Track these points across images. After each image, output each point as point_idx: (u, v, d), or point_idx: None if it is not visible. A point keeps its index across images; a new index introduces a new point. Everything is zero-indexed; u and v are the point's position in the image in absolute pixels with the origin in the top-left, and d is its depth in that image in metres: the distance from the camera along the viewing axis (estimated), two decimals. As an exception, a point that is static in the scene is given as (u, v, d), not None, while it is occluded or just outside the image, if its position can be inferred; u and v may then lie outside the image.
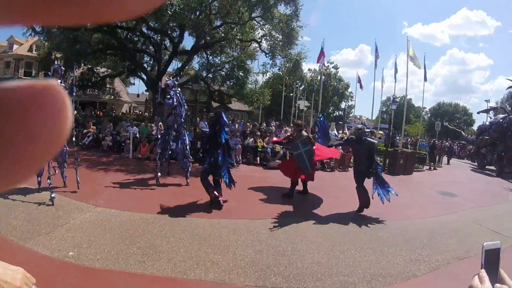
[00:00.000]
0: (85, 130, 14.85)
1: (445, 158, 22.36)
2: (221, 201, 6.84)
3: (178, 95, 8.70)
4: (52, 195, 6.21)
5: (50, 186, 6.34)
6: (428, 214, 7.73)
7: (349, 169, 14.18)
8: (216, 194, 6.83)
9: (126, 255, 4.41)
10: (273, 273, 4.21)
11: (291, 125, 28.95)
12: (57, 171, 7.24)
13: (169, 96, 8.60)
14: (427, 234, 6.07)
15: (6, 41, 36.37)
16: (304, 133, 8.12)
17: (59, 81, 6.95)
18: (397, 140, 21.45)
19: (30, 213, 5.78)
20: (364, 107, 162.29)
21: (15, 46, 35.55)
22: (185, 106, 9.30)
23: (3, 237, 4.79)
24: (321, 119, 9.56)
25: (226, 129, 7.35)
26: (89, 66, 22.11)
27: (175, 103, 8.54)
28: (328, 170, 13.70)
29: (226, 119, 7.01)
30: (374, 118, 35.26)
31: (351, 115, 52.19)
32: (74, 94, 7.54)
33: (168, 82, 8.95)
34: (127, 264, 4.17)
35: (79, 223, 5.49)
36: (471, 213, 8.19)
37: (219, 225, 5.74)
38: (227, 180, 6.98)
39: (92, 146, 14.39)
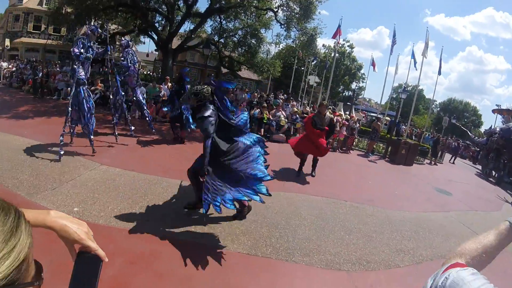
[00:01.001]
0: (92, 87, 14.92)
1: (448, 156, 22.01)
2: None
3: (131, 55, 9.02)
4: (61, 152, 6.44)
5: (61, 143, 6.57)
6: (419, 208, 7.77)
7: (351, 151, 14.48)
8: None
9: (129, 214, 4.64)
10: (265, 243, 4.41)
11: (299, 100, 28.86)
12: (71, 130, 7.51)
13: (123, 58, 8.98)
14: (415, 227, 6.15)
15: None
16: (330, 115, 8.34)
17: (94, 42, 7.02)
18: (402, 130, 21.38)
19: (37, 168, 6.00)
20: (375, 90, 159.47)
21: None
22: (136, 64, 9.35)
23: (10, 191, 4.99)
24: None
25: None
26: (100, 23, 21.96)
27: (129, 64, 8.88)
28: (329, 149, 13.77)
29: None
30: (383, 103, 34.73)
31: (360, 97, 51.19)
32: (109, 53, 7.63)
33: (122, 42, 9.39)
34: (129, 222, 4.40)
35: (84, 180, 5.70)
36: (461, 214, 8.14)
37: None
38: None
39: (99, 103, 14.39)
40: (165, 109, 10.53)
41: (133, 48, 9.35)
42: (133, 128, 9.48)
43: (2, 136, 8.22)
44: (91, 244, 0.89)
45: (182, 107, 9.43)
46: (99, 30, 7.08)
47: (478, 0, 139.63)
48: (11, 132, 8.65)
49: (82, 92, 6.90)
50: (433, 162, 17.67)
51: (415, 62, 20.21)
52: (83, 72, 6.81)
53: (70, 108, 6.90)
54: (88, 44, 6.81)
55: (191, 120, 9.35)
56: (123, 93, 9.14)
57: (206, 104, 4.49)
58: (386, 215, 6.56)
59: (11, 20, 35.61)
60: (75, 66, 6.82)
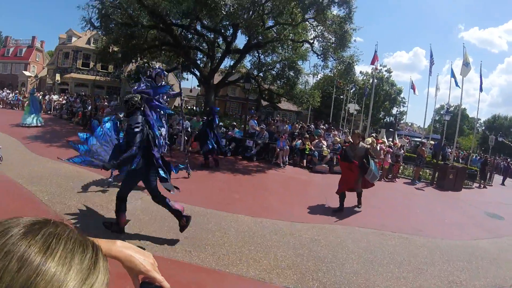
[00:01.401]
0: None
1: (498, 177, 20.76)
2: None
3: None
4: (110, 180, 6.61)
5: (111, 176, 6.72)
6: (470, 235, 7.28)
7: (397, 179, 13.90)
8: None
9: (174, 245, 4.65)
10: (312, 278, 4.23)
11: (340, 128, 28.58)
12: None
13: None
14: (467, 257, 5.74)
15: (65, 34, 39.46)
16: (364, 145, 7.67)
17: (163, 82, 7.28)
18: (448, 153, 20.53)
19: (85, 195, 6.27)
20: (416, 114, 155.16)
21: (73, 39, 38.37)
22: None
23: (58, 215, 5.17)
24: None
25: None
26: (145, 61, 23.21)
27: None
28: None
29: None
30: (426, 126, 33.57)
31: (402, 121, 49.87)
32: (183, 99, 7.84)
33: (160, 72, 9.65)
34: (174, 252, 4.42)
35: (131, 208, 5.70)
36: (516, 240, 7.54)
37: (263, 224, 5.84)
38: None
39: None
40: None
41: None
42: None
43: (53, 163, 8.72)
44: (157, 275, 0.88)
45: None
46: (165, 72, 7.26)
47: (509, 7, 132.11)
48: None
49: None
50: (482, 185, 16.72)
51: (455, 81, 19.66)
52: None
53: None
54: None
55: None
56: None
57: (136, 112, 4.58)
58: (436, 245, 6.18)
59: (61, 57, 38.81)
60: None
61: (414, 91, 28.62)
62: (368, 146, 7.79)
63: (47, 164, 8.63)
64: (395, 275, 4.65)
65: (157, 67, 7.34)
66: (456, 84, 19.64)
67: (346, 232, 6.11)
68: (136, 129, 4.37)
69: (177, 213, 4.80)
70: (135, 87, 6.18)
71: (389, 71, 53.01)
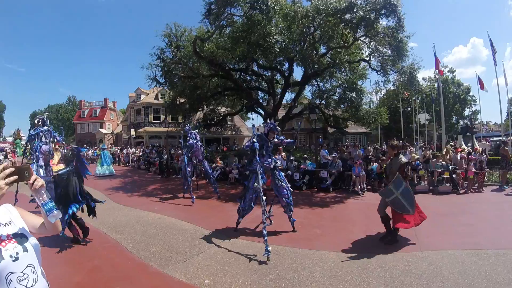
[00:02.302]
0: (213, 165, 16.20)
1: None
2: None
3: (194, 135, 11.84)
4: (269, 249, 5.60)
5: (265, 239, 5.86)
6: None
7: (484, 188, 12.50)
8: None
9: (259, 286, 4.51)
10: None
11: (415, 143, 27.08)
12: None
13: (188, 138, 11.81)
14: None
15: (134, 92, 43.80)
16: (402, 158, 6.48)
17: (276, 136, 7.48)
18: None
19: (168, 242, 6.44)
20: (490, 110, 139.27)
21: (142, 96, 42.24)
22: (198, 142, 11.96)
23: (143, 262, 5.42)
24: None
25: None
26: (211, 107, 24.41)
27: (194, 142, 11.66)
28: (461, 192, 12.12)
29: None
30: (503, 122, 30.23)
31: (477, 122, 45.57)
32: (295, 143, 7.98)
33: (185, 128, 12.40)
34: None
35: (213, 252, 5.85)
36: None
37: (349, 259, 5.50)
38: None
39: (220, 179, 15.59)
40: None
41: (196, 131, 12.50)
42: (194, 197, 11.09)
43: (135, 212, 9.32)
44: None
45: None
46: (278, 128, 7.50)
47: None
48: (143, 208, 9.80)
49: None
50: None
51: None
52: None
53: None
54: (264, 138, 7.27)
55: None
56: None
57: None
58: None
59: (133, 114, 42.70)
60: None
61: (481, 86, 26.35)
62: (405, 160, 6.47)
63: (130, 213, 9.19)
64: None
65: (269, 122, 7.47)
66: None
67: (438, 257, 5.50)
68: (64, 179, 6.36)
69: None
70: (247, 144, 7.07)
71: (451, 70, 49.88)
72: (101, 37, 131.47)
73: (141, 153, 26.53)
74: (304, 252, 5.87)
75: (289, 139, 7.80)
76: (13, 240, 1.69)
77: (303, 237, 6.82)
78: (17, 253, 1.64)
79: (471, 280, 4.60)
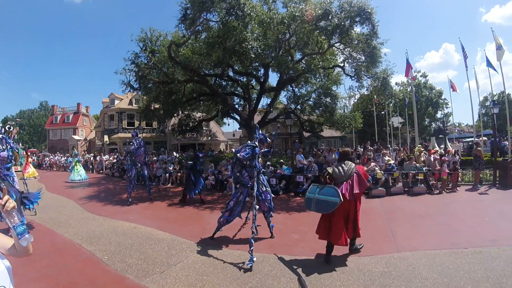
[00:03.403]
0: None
1: None
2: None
3: (138, 141, 12.95)
4: (254, 259, 5.56)
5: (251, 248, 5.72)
6: None
7: (458, 189, 12.89)
8: None
9: None
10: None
11: (388, 146, 27.66)
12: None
13: (132, 143, 13.01)
14: None
15: (108, 98, 42.93)
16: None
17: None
18: (506, 147, 19.05)
19: (144, 252, 6.30)
20: (461, 112, 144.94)
21: (116, 101, 41.41)
22: (142, 148, 13.19)
23: (119, 274, 5.28)
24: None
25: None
26: (186, 113, 24.19)
27: (136, 147, 12.79)
28: (435, 192, 12.48)
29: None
30: (475, 123, 31.37)
31: (449, 124, 47.02)
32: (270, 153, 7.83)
33: (132, 133, 13.75)
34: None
35: (191, 262, 5.76)
36: None
37: (327, 263, 5.53)
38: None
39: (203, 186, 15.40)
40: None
41: (141, 136, 13.88)
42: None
43: (109, 221, 9.08)
44: None
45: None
46: (268, 140, 7.41)
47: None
48: (117, 217, 9.54)
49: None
50: None
51: (493, 68, 19.05)
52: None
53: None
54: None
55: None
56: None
57: None
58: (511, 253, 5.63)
59: (107, 120, 41.75)
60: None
61: (454, 89, 27.30)
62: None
63: (104, 223, 8.94)
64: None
65: (260, 133, 7.33)
66: (494, 69, 18.88)
67: (416, 258, 5.64)
68: None
69: None
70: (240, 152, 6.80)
71: (424, 75, 51.75)
72: (75, 41, 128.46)
73: (115, 160, 25.96)
74: (282, 258, 5.86)
75: (264, 149, 7.71)
76: None
77: (281, 243, 6.83)
78: None
79: (450, 279, 4.73)
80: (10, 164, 8.09)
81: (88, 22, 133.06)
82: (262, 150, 7.36)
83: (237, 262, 5.68)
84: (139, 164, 13.18)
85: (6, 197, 1.71)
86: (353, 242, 6.04)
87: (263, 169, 7.54)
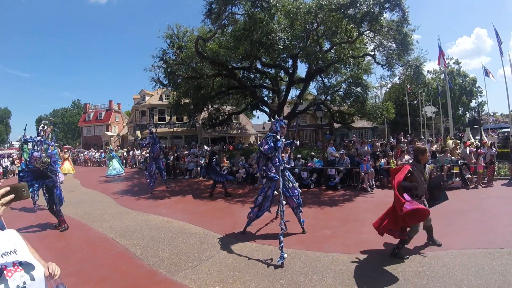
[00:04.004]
0: (221, 165, 16.11)
1: None
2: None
3: (152, 138, 13.94)
4: (284, 255, 5.48)
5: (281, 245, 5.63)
6: None
7: (494, 183, 12.28)
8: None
9: None
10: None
11: (422, 137, 26.79)
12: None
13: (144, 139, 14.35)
14: None
15: (138, 94, 43.91)
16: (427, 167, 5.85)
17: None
18: None
19: (177, 246, 6.37)
20: (497, 101, 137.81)
21: (146, 97, 42.53)
22: (159, 143, 14.42)
23: (152, 269, 5.35)
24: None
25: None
26: (216, 107, 24.37)
27: (145, 143, 14.12)
28: (471, 187, 11.91)
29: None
30: (510, 112, 29.70)
31: (483, 113, 44.87)
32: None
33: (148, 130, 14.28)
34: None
35: (223, 257, 5.77)
36: None
37: (360, 261, 5.40)
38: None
39: (228, 179, 15.47)
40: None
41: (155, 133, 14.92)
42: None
43: (142, 215, 9.27)
44: None
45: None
46: (286, 123, 7.20)
47: None
48: (150, 211, 9.74)
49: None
50: None
51: None
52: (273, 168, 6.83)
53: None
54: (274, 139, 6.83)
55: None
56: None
57: None
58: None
59: (138, 116, 42.96)
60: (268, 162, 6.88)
61: (489, 75, 25.91)
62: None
63: (138, 217, 9.13)
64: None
65: (278, 118, 7.18)
66: None
67: (451, 257, 5.37)
68: None
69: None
70: (266, 146, 6.64)
71: (457, 62, 49.43)
72: (103, 40, 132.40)
73: (147, 155, 26.55)
74: (314, 254, 5.76)
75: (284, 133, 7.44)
76: (20, 268, 1.61)
77: (313, 239, 6.71)
78: (24, 283, 1.57)
79: (485, 281, 4.48)
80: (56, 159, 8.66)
81: (114, 21, 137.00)
82: (285, 142, 7.28)
83: (268, 258, 5.63)
84: (156, 157, 14.12)
85: (52, 265, 1.74)
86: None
87: (288, 165, 7.42)
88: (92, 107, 61.51)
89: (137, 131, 39.74)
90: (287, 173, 7.13)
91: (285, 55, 17.69)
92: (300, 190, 7.37)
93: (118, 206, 10.76)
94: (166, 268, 5.35)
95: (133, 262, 5.72)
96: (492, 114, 50.35)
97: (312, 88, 24.93)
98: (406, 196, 5.11)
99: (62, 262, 5.52)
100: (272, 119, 7.19)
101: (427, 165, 5.74)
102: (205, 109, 23.40)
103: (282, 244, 5.53)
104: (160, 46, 18.47)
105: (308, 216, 8.17)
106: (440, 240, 6.01)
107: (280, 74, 22.64)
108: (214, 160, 12.84)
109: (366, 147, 15.13)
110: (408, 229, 5.43)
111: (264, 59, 19.11)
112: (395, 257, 5.48)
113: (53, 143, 9.46)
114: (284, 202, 6.36)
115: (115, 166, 21.08)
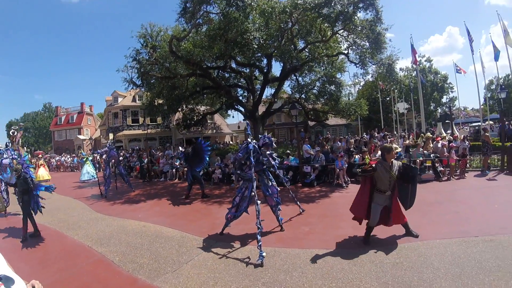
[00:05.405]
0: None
1: None
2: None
3: (109, 144, 14.69)
4: (263, 254, 5.53)
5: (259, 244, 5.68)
6: None
7: (466, 175, 12.74)
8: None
9: None
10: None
11: (395, 133, 27.42)
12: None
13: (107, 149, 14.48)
14: None
15: (111, 96, 42.63)
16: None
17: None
18: None
19: (155, 251, 6.27)
20: (467, 96, 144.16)
21: (119, 99, 41.28)
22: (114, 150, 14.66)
23: (131, 275, 5.24)
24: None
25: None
26: (190, 107, 24.09)
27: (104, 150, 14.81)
28: (443, 179, 12.30)
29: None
30: (481, 107, 30.92)
31: (454, 108, 46.79)
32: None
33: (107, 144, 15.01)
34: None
35: (202, 259, 5.72)
36: None
37: (339, 256, 5.47)
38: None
39: (203, 179, 15.30)
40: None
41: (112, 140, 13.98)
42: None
43: (118, 221, 9.07)
44: None
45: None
46: (274, 145, 7.56)
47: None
48: (126, 216, 9.55)
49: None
50: None
51: (496, 54, 18.65)
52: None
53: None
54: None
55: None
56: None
57: None
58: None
59: (111, 118, 41.76)
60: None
61: (460, 72, 26.89)
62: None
63: (114, 222, 8.93)
64: (487, 285, 4.17)
65: (265, 136, 7.49)
66: (496, 59, 18.63)
67: (427, 247, 5.56)
68: None
69: None
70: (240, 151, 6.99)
71: (429, 60, 51.38)
72: (76, 40, 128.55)
73: (121, 158, 25.99)
74: (294, 251, 5.82)
75: (275, 160, 7.61)
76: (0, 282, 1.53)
77: (291, 236, 6.76)
78: None
79: (461, 269, 4.65)
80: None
81: (86, 21, 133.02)
82: (268, 152, 7.40)
83: (248, 258, 5.64)
84: (115, 164, 15.01)
85: (36, 284, 1.75)
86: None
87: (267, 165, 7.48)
88: (63, 110, 59.54)
89: (110, 134, 38.88)
90: (267, 172, 7.19)
91: (260, 54, 17.72)
92: (279, 188, 7.42)
93: (93, 212, 10.48)
94: (145, 273, 5.26)
95: (112, 269, 5.58)
96: (463, 108, 52.41)
97: (287, 87, 25.11)
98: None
99: (42, 273, 5.42)
100: (248, 127, 7.42)
101: (395, 162, 5.93)
102: (179, 109, 23.09)
103: (260, 243, 5.57)
104: (134, 46, 18.11)
105: (286, 214, 8.26)
106: (416, 231, 6.18)
107: (255, 73, 22.62)
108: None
109: (339, 144, 15.38)
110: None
111: (238, 58, 19.05)
112: (367, 244, 5.88)
113: (18, 147, 9.27)
114: (259, 202, 6.37)
115: (88, 170, 20.51)
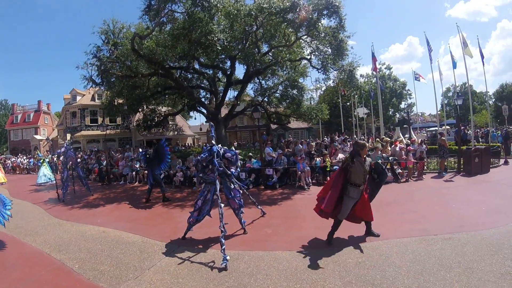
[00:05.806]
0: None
1: None
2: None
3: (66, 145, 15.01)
4: (227, 258, 5.48)
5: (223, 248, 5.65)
6: None
7: (424, 176, 13.34)
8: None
9: None
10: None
11: (355, 136, 28.22)
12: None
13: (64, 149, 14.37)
14: None
15: (69, 94, 40.72)
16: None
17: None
18: (469, 135, 19.93)
19: (116, 257, 6.08)
20: (425, 102, 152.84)
21: (78, 97, 39.50)
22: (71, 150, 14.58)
23: (92, 283, 5.05)
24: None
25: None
26: (151, 107, 23.60)
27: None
28: (402, 181, 12.83)
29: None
30: (438, 112, 32.76)
31: (412, 113, 49.02)
32: None
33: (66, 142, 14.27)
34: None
35: (165, 264, 5.61)
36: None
37: (303, 257, 5.55)
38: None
39: (164, 182, 14.97)
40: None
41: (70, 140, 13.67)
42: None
43: (77, 226, 8.70)
44: None
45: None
46: (238, 163, 7.55)
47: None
48: (85, 221, 9.17)
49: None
50: (508, 161, 15.97)
51: (454, 63, 19.89)
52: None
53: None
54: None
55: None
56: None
57: None
58: (481, 237, 5.87)
59: (69, 117, 39.80)
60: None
61: (419, 79, 28.17)
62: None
63: (72, 228, 8.55)
64: (448, 281, 4.37)
65: (235, 152, 7.48)
66: (454, 67, 19.85)
67: (388, 246, 5.77)
68: None
69: None
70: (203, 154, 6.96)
71: (388, 67, 54.05)
72: (33, 33, 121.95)
73: (79, 160, 24.95)
74: (257, 254, 5.83)
75: (233, 169, 7.57)
76: None
77: (255, 238, 6.78)
78: None
79: (422, 266, 4.85)
80: None
81: (45, 13, 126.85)
82: (232, 169, 7.46)
83: (212, 262, 5.59)
84: (73, 166, 14.53)
85: None
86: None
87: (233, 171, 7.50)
88: (20, 108, 56.13)
89: (67, 134, 37.20)
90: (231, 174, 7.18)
91: (223, 56, 17.66)
92: (241, 191, 7.45)
93: (51, 217, 9.96)
94: (107, 281, 5.07)
95: (72, 277, 5.33)
96: (420, 114, 55.20)
97: (250, 90, 25.31)
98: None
99: (-1, 283, 5.07)
100: (212, 128, 7.49)
101: (367, 159, 6.19)
102: (140, 110, 22.57)
103: (224, 247, 5.55)
104: (94, 42, 17.37)
105: (249, 216, 8.26)
106: (377, 230, 6.41)
107: (218, 75, 22.60)
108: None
109: (301, 147, 15.64)
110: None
111: (202, 60, 18.93)
112: (330, 244, 6.08)
113: None
114: (223, 205, 6.37)
115: (45, 172, 19.48)
